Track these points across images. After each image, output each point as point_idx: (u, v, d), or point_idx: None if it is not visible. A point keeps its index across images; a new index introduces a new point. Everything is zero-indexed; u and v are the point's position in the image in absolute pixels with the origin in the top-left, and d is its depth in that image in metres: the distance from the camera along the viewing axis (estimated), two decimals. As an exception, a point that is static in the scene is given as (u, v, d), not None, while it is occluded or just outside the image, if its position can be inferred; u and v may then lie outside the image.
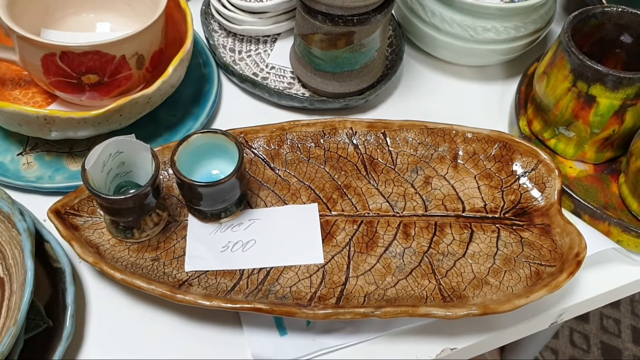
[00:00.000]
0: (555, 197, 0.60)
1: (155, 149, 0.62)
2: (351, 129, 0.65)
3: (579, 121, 0.63)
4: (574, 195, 0.63)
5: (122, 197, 0.53)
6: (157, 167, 0.54)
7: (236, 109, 0.72)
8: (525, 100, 0.71)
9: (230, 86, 0.74)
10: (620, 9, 0.64)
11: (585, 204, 0.62)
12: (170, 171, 0.61)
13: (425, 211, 0.61)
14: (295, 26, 0.69)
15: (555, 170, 0.61)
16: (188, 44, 0.65)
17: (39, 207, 0.61)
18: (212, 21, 0.78)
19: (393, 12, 0.79)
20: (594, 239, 0.60)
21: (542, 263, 0.56)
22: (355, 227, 0.59)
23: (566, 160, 0.68)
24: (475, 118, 0.71)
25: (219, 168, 0.59)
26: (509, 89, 0.75)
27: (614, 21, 0.65)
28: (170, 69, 0.62)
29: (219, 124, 0.70)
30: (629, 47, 0.66)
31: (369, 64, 0.69)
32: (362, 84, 0.71)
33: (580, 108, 0.62)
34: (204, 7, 0.78)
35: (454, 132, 0.64)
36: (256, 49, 0.77)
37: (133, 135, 0.54)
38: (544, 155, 0.62)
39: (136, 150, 0.55)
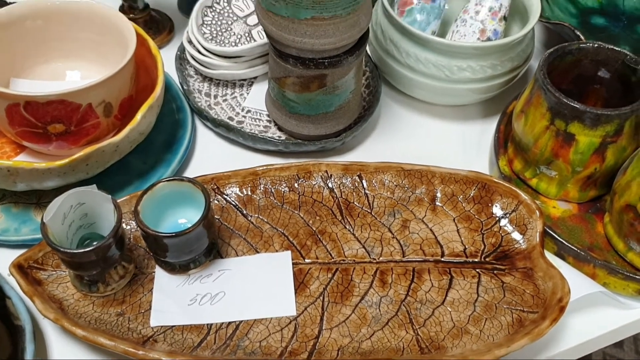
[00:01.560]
0: (537, 240, 0.58)
1: (123, 198, 0.60)
2: (326, 172, 0.64)
3: (559, 160, 0.61)
4: (557, 237, 0.61)
5: (83, 250, 0.51)
6: (119, 219, 0.52)
7: (211, 154, 0.71)
8: (505, 140, 0.70)
9: (205, 131, 0.73)
10: (596, 45, 0.63)
11: (569, 245, 0.60)
12: (138, 221, 0.59)
13: (403, 256, 0.59)
14: (269, 70, 0.68)
15: (537, 211, 0.59)
16: (158, 90, 0.64)
17: (4, 260, 0.59)
18: (187, 66, 0.77)
19: (369, 52, 0.78)
20: (579, 283, 0.57)
21: (525, 309, 0.54)
22: (329, 275, 0.57)
23: (549, 200, 0.66)
24: (454, 158, 0.70)
25: (187, 217, 0.57)
26: (489, 128, 0.74)
27: (590, 57, 0.64)
28: (138, 116, 0.61)
29: (192, 169, 0.69)
30: (607, 82, 0.65)
31: (344, 105, 0.68)
32: (338, 126, 0.70)
33: (560, 146, 0.61)
34: (178, 53, 0.77)
35: (431, 173, 0.63)
36: (232, 93, 0.76)
37: (94, 185, 0.52)
38: (524, 195, 0.60)
39: (98, 201, 0.53)
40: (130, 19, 0.78)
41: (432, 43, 0.68)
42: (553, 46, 0.63)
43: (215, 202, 0.62)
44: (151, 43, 0.68)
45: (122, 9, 0.80)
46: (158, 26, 0.82)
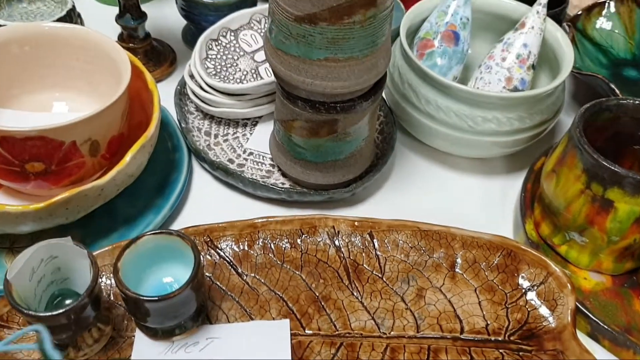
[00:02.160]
0: (569, 318, 0.51)
1: (104, 249, 0.54)
2: (333, 227, 0.57)
3: (594, 228, 0.55)
4: (591, 316, 0.54)
5: (52, 314, 0.44)
6: (96, 276, 0.45)
7: (207, 200, 0.64)
8: (532, 200, 0.63)
9: (202, 173, 0.67)
10: (637, 102, 0.57)
11: (605, 327, 0.53)
12: (119, 276, 0.52)
13: (417, 332, 0.52)
14: (275, 111, 0.62)
15: (568, 285, 0.52)
16: (152, 128, 0.58)
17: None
18: (187, 102, 0.72)
19: (384, 96, 0.72)
20: (616, 371, 0.50)
21: (556, 403, 0.47)
22: (333, 350, 0.50)
23: (580, 270, 0.59)
24: (475, 218, 0.63)
25: (174, 275, 0.51)
26: (513, 185, 0.67)
27: (630, 114, 0.58)
28: (127, 157, 0.55)
29: (185, 217, 0.62)
30: (648, 143, 0.59)
31: (356, 153, 0.62)
32: (347, 175, 0.63)
33: (596, 213, 0.54)
34: (179, 87, 0.71)
35: (451, 235, 0.56)
36: (234, 133, 0.70)
37: (69, 238, 0.46)
38: (554, 266, 0.53)
39: (73, 254, 0.46)
40: (129, 48, 0.73)
41: (454, 90, 0.62)
42: (583, 98, 0.58)
43: (208, 257, 0.55)
44: (148, 76, 0.62)
45: (120, 38, 0.75)
46: (159, 57, 0.77)
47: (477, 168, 0.69)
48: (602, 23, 0.79)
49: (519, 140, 0.64)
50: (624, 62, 0.79)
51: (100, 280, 0.52)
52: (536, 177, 0.64)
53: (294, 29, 0.51)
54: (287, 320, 0.51)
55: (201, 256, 0.48)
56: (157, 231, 0.49)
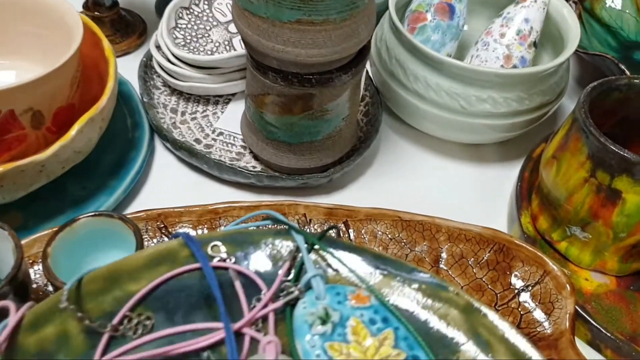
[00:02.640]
0: (567, 324, 0.45)
1: (41, 233, 0.47)
2: (304, 215, 0.51)
3: (599, 222, 0.48)
4: (592, 322, 0.47)
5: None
6: (19, 262, 0.39)
7: (168, 183, 0.58)
8: (529, 190, 0.57)
9: (166, 154, 0.61)
10: (650, 82, 0.51)
11: (607, 334, 0.47)
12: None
13: (392, 334, 0.45)
14: (246, 85, 0.56)
15: (567, 286, 0.46)
16: (104, 100, 0.51)
17: None
18: (154, 76, 0.65)
19: (371, 74, 0.66)
20: (620, 385, 0.44)
21: (549, 421, 0.40)
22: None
23: (581, 270, 0.53)
24: (465, 209, 0.57)
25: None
26: (509, 175, 0.61)
27: (642, 96, 0.52)
28: (73, 130, 0.49)
29: (142, 200, 0.56)
30: (661, 129, 0.53)
31: (334, 134, 0.56)
32: (325, 159, 0.57)
33: (601, 205, 0.48)
34: (144, 59, 0.65)
35: (436, 227, 0.50)
36: (204, 111, 0.63)
37: (-12, 217, 0.40)
38: (552, 265, 0.47)
39: (-6, 237, 0.40)
40: (94, 17, 0.67)
41: (445, 65, 0.55)
42: (589, 82, 0.51)
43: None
44: (105, 43, 0.56)
45: (85, 6, 0.68)
46: (127, 28, 0.70)
47: (470, 155, 0.63)
48: (612, 2, 0.72)
49: (517, 124, 0.58)
50: (635, 45, 0.72)
51: (31, 267, 0.45)
52: (535, 166, 0.58)
53: (262, -14, 0.45)
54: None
55: (146, 243, 0.42)
56: (95, 212, 0.43)
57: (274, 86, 0.51)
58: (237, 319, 0.32)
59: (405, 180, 0.60)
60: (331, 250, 0.35)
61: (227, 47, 0.65)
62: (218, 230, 0.49)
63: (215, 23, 0.66)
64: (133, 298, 0.32)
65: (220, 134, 0.61)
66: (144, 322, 0.32)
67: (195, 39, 0.64)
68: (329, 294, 0.33)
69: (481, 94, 0.55)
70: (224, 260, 0.34)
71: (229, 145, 0.60)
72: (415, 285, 0.33)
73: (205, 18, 0.66)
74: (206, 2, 0.66)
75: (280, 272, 0.33)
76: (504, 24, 0.61)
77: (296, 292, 0.33)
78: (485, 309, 0.33)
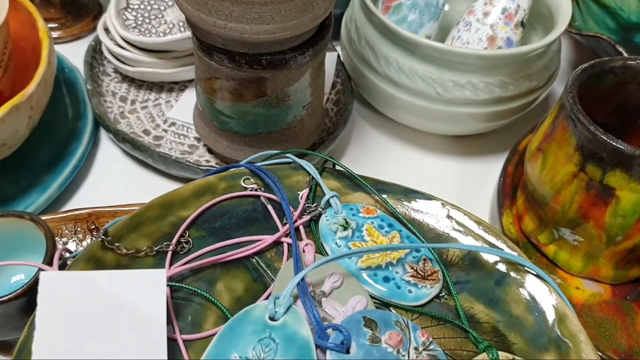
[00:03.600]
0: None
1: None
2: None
3: (590, 223, 0.42)
4: (581, 338, 0.41)
5: None
6: None
7: (111, 180, 0.52)
8: (513, 187, 0.51)
9: (112, 147, 0.55)
10: (650, 63, 0.44)
11: (600, 352, 0.40)
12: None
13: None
14: (195, 69, 0.50)
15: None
16: (32, 86, 0.46)
17: None
18: (105, 62, 0.59)
19: (342, 58, 0.60)
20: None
21: None
22: None
23: (571, 277, 0.46)
24: (442, 207, 0.50)
25: (27, 272, 0.38)
26: (493, 169, 0.54)
27: (640, 80, 0.45)
28: (-9, 119, 0.43)
29: (80, 198, 0.50)
30: (662, 117, 0.46)
31: (295, 125, 0.50)
32: (285, 153, 0.51)
33: (592, 204, 0.42)
34: (93, 43, 0.59)
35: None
36: (156, 99, 0.57)
37: None
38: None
39: None
40: (41, -2, 0.61)
41: (419, 47, 0.49)
42: (580, 64, 0.45)
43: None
44: (40, 23, 0.50)
45: (31, -16, 0.62)
46: (80, 10, 0.65)
47: (449, 147, 0.57)
48: (611, -20, 0.66)
49: (501, 113, 0.52)
50: (635, 27, 0.65)
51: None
52: (520, 159, 0.52)
53: (198, -50, 0.39)
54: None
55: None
56: (2, 213, 0.37)
57: (220, 69, 0.45)
58: (274, 233, 0.39)
59: (378, 176, 0.54)
60: (342, 173, 0.43)
61: (182, 29, 0.59)
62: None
63: (170, 2, 0.60)
64: (186, 221, 0.38)
65: (173, 124, 0.55)
66: (196, 241, 0.38)
67: (147, 20, 0.58)
68: (345, 209, 0.41)
69: (459, 79, 0.49)
70: (256, 190, 0.41)
71: (181, 137, 0.54)
72: (410, 200, 0.42)
73: (160, -2, 0.60)
74: (162, -20, 0.60)
75: (303, 196, 0.41)
76: (488, 1, 0.55)
77: (319, 210, 0.41)
78: (462, 214, 0.41)
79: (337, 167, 0.44)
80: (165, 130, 0.55)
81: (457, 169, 0.55)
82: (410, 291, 0.38)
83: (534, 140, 0.46)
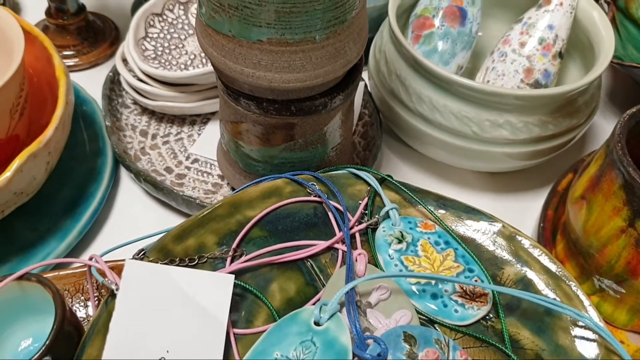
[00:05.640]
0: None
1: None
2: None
3: (638, 279, 0.40)
4: (630, 405, 0.39)
5: None
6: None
7: (132, 222, 0.50)
8: (553, 231, 0.48)
9: (132, 186, 0.53)
10: (703, 106, 0.42)
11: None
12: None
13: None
14: (219, 108, 0.48)
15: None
16: (49, 131, 0.44)
17: None
18: (123, 92, 0.57)
19: (370, 89, 0.57)
20: None
21: None
22: None
23: (615, 330, 0.44)
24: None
25: (37, 336, 0.37)
26: (531, 207, 0.52)
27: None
28: (8, 172, 0.41)
29: (99, 244, 0.48)
30: None
31: (322, 166, 0.48)
32: (313, 195, 0.49)
33: (641, 261, 0.39)
34: (111, 74, 0.57)
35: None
36: (178, 133, 0.55)
37: None
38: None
39: None
40: (58, 25, 0.60)
41: (454, 85, 0.47)
42: (624, 97, 0.43)
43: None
44: (56, 60, 0.48)
45: (48, 12, 0.60)
46: (96, 36, 0.63)
47: (485, 184, 0.54)
48: (651, 0, 0.63)
49: (540, 152, 0.49)
50: (677, 50, 0.63)
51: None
52: (560, 200, 0.49)
53: (225, -3, 0.36)
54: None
55: (67, 310, 0.35)
56: (10, 277, 0.35)
57: (247, 114, 0.43)
58: (331, 239, 0.40)
59: (408, 215, 0.52)
60: (402, 188, 0.43)
61: (204, 60, 0.57)
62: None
63: (191, 32, 0.58)
64: (251, 221, 0.40)
65: (195, 160, 0.53)
66: (258, 240, 0.40)
67: (167, 51, 0.56)
68: (403, 222, 0.41)
69: (497, 118, 0.47)
70: (319, 196, 0.42)
71: (205, 174, 0.52)
72: (471, 220, 0.42)
73: (180, 26, 0.58)
74: (182, 7, 0.58)
75: (361, 205, 0.42)
76: (525, 31, 0.53)
77: (376, 219, 0.41)
78: (523, 239, 0.40)
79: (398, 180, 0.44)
80: (188, 168, 0.53)
81: (492, 206, 0.52)
82: (456, 310, 0.38)
83: (578, 186, 0.44)
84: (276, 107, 0.42)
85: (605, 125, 0.59)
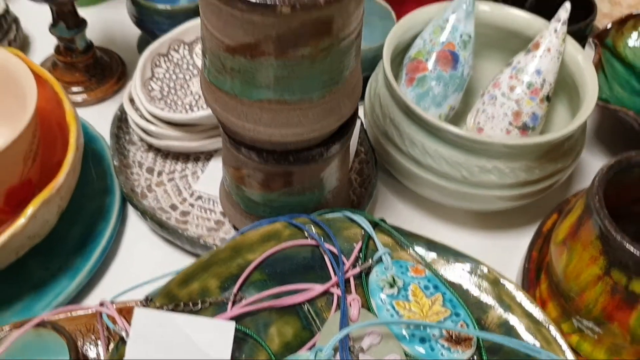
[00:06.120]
0: None
1: (-13, 335, 0.43)
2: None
3: (614, 324, 0.42)
4: None
5: None
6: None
7: (139, 259, 0.53)
8: (537, 270, 0.51)
9: (139, 223, 0.55)
10: (678, 158, 0.44)
11: None
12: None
13: None
14: (222, 154, 0.51)
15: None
16: (60, 177, 0.46)
17: None
18: (130, 129, 0.60)
19: (365, 128, 0.60)
20: None
21: None
22: None
23: (594, 368, 0.47)
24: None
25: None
26: (518, 245, 0.55)
27: (668, 172, 0.45)
28: (23, 217, 0.44)
29: (108, 283, 0.51)
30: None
31: (320, 207, 0.50)
32: (311, 233, 0.51)
33: (617, 307, 0.42)
34: (118, 113, 0.60)
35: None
36: (182, 170, 0.58)
37: None
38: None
39: None
40: (67, 63, 0.62)
41: (444, 133, 0.49)
42: (608, 133, 0.45)
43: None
44: (67, 105, 0.51)
45: (57, 50, 0.63)
46: (104, 72, 0.65)
47: (472, 221, 0.57)
48: (638, 40, 0.65)
49: (527, 195, 0.52)
50: (662, 89, 0.65)
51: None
52: (545, 241, 0.52)
53: (228, 61, 0.39)
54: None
55: (80, 354, 0.37)
56: (26, 324, 0.38)
57: (248, 162, 0.46)
58: (326, 282, 0.42)
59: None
60: (394, 232, 0.45)
61: (207, 101, 0.59)
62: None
63: (196, 72, 0.60)
64: (251, 265, 0.42)
65: (199, 197, 0.56)
66: (258, 283, 0.42)
67: (173, 91, 0.59)
68: (395, 266, 0.44)
69: (486, 164, 0.49)
70: (315, 239, 0.44)
71: (208, 211, 0.55)
72: (458, 264, 0.45)
73: (185, 66, 0.60)
74: (186, 47, 0.61)
75: (355, 248, 0.44)
76: (514, 75, 0.55)
77: (369, 263, 0.43)
78: (507, 283, 0.43)
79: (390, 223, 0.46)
80: (191, 205, 0.55)
81: (481, 244, 0.55)
82: (442, 354, 0.40)
83: (560, 231, 0.46)
84: (275, 157, 0.44)
85: (592, 162, 0.62)
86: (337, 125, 0.44)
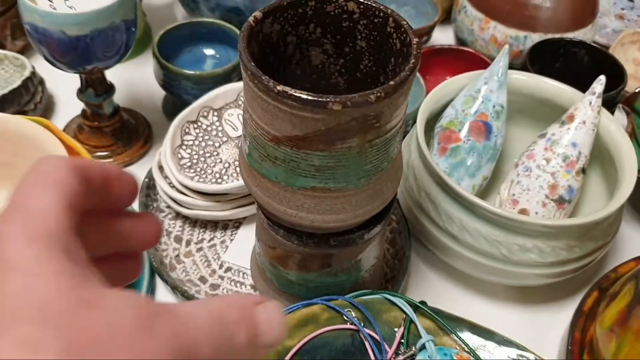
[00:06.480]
0: None
1: None
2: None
3: (667, 417, 0.41)
4: None
5: None
6: None
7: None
8: (580, 351, 0.49)
9: (168, 295, 0.54)
10: None
11: None
12: None
13: None
14: (256, 229, 0.50)
15: None
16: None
17: None
18: (158, 196, 0.59)
19: (397, 197, 0.59)
20: None
21: None
22: None
23: None
24: None
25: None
26: (558, 318, 0.53)
27: None
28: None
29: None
30: None
31: (357, 286, 0.49)
32: (346, 311, 0.50)
33: (671, 400, 0.40)
34: (147, 180, 0.59)
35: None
36: (211, 239, 0.57)
37: None
38: None
39: None
40: (93, 127, 0.62)
41: (481, 210, 0.48)
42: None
43: None
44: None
45: (84, 115, 0.62)
46: (130, 136, 0.64)
47: (513, 296, 0.56)
48: (668, 103, 0.65)
49: (566, 272, 0.51)
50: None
51: None
52: (587, 319, 0.51)
53: (271, 150, 0.38)
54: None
55: None
56: None
57: (287, 244, 0.45)
58: None
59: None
60: (435, 317, 0.44)
61: (237, 169, 0.58)
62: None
63: (225, 139, 0.60)
64: (290, 352, 0.41)
65: (229, 269, 0.55)
66: None
67: (202, 159, 0.58)
68: (439, 353, 0.42)
69: (526, 243, 0.48)
70: (355, 324, 0.43)
71: (238, 284, 0.54)
72: (504, 350, 0.44)
73: (214, 133, 0.60)
74: (215, 114, 0.60)
75: (397, 334, 0.43)
76: (548, 147, 0.54)
77: (413, 351, 0.42)
78: None
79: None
80: (221, 277, 0.54)
81: (519, 318, 0.54)
82: None
83: (607, 316, 0.45)
84: (315, 240, 0.44)
85: (628, 233, 0.61)
86: (379, 209, 0.43)
